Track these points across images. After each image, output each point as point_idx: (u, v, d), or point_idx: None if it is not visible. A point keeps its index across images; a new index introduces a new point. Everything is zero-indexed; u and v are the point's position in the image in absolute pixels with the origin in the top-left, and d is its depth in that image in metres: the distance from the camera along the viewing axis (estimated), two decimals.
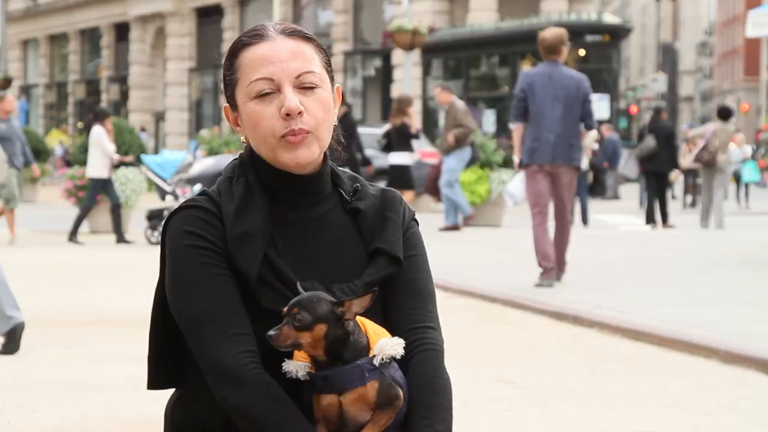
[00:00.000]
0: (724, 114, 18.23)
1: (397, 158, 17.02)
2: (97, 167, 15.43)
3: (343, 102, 7.80)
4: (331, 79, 2.39)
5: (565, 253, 9.87)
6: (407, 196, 16.93)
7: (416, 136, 17.55)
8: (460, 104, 16.39)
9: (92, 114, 16.31)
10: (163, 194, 16.30)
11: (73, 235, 15.20)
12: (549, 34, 9.84)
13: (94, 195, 15.57)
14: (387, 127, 18.19)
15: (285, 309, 2.20)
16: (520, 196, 10.50)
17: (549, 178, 9.79)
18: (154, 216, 15.35)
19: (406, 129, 17.00)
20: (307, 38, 2.36)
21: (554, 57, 9.79)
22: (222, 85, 2.40)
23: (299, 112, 2.29)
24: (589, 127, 9.92)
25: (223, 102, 2.42)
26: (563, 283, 9.71)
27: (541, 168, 9.73)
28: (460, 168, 16.61)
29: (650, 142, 18.65)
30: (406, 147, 17.07)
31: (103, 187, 15.53)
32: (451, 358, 2.47)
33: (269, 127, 2.30)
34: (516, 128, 10.00)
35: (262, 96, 2.31)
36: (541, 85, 9.72)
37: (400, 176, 16.99)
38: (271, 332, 2.17)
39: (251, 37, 2.34)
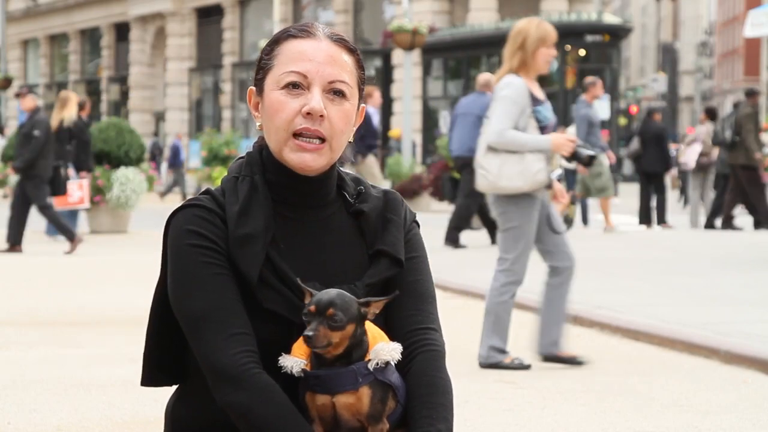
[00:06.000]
0: (712, 115, 18.68)
1: None
2: None
3: None
4: (360, 97, 2.39)
5: None
6: None
7: None
8: None
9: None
10: None
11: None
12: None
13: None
14: None
15: (313, 308, 2.18)
16: None
17: None
18: None
19: None
20: (351, 50, 2.38)
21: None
22: (255, 68, 2.39)
23: (321, 115, 2.30)
24: None
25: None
26: None
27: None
28: None
29: (634, 144, 18.84)
30: None
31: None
32: (451, 358, 2.47)
33: (286, 120, 2.31)
34: None
35: (290, 88, 2.32)
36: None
37: None
38: (309, 333, 2.16)
39: (299, 30, 2.36)
